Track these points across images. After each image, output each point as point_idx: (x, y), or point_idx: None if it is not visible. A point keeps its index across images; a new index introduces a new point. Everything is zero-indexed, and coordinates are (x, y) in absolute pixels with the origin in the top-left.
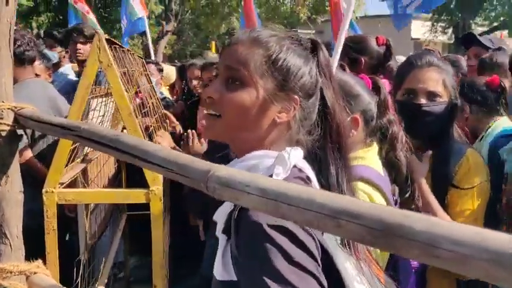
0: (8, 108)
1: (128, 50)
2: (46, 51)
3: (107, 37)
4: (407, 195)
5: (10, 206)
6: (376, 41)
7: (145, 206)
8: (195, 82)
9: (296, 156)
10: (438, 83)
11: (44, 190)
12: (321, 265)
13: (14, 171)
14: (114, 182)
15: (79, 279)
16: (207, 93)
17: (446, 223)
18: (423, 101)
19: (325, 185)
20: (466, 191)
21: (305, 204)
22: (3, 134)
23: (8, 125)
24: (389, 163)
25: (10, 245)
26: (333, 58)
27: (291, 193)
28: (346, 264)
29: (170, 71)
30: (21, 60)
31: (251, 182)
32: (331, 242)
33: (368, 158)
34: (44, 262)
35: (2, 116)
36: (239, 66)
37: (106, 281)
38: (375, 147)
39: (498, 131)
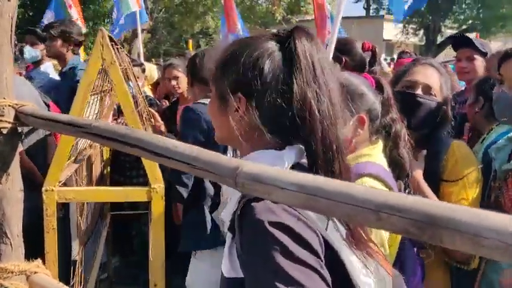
0: (9, 106)
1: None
2: (28, 48)
3: (109, 34)
4: (407, 191)
5: (11, 205)
6: (362, 46)
7: (130, 206)
8: (173, 82)
9: (290, 156)
10: (436, 82)
11: (43, 188)
12: (324, 260)
13: (15, 169)
14: (101, 181)
15: (75, 279)
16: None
17: (490, 214)
18: (419, 92)
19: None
20: (456, 182)
21: (344, 198)
22: (4, 131)
23: (9, 122)
24: (393, 160)
25: (11, 244)
26: None
27: (330, 188)
28: (351, 258)
29: (152, 70)
30: None
31: (283, 177)
32: (336, 236)
33: (374, 155)
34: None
35: (3, 113)
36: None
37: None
38: (380, 144)
39: (497, 134)
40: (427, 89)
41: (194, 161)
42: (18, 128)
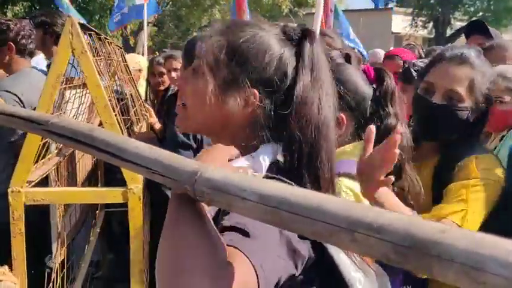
0: None
1: (106, 39)
2: None
3: (80, 22)
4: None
5: None
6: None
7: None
8: (173, 74)
9: (267, 153)
10: (463, 83)
11: (9, 189)
12: (304, 261)
13: None
14: (91, 178)
15: (51, 284)
16: (176, 81)
17: (493, 239)
18: (439, 99)
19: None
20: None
21: (312, 213)
22: None
23: None
24: None
25: None
26: None
27: (296, 199)
28: (340, 255)
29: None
30: (22, 51)
31: (248, 186)
32: None
33: (352, 152)
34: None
35: None
36: (199, 55)
37: (82, 281)
38: (360, 144)
39: None
40: (449, 93)
41: (152, 163)
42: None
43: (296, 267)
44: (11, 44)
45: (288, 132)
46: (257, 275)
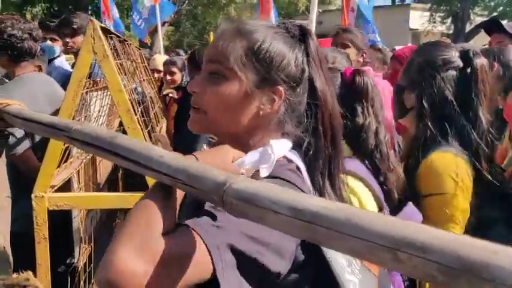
0: None
1: (125, 40)
2: (49, 43)
3: (101, 25)
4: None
5: None
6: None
7: None
8: (168, 77)
9: (281, 147)
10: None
11: (33, 195)
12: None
13: (0, 173)
14: (111, 180)
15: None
16: (191, 87)
17: None
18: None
19: (311, 172)
20: (428, 198)
21: (351, 229)
22: None
23: None
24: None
25: None
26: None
27: (333, 214)
28: (336, 256)
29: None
30: (13, 55)
31: (279, 198)
32: None
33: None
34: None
35: None
36: (220, 58)
37: None
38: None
39: None
40: None
41: (178, 173)
42: (3, 130)
43: (280, 264)
44: (5, 47)
45: (312, 123)
46: (210, 254)
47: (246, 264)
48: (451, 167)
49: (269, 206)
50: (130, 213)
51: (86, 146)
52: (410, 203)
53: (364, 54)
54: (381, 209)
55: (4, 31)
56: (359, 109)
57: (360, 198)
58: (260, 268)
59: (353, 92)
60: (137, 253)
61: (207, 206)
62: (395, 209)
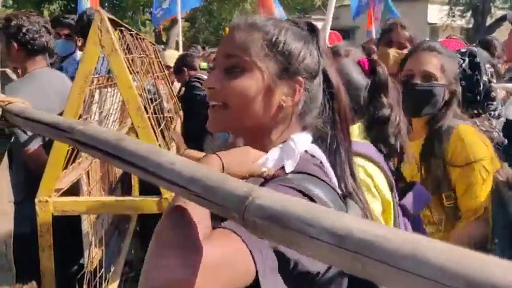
0: None
1: (137, 34)
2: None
3: (110, 17)
4: None
5: None
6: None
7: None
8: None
9: (303, 141)
10: (435, 67)
11: (36, 199)
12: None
13: (1, 177)
14: (124, 180)
15: None
16: (207, 83)
17: None
18: (418, 81)
19: (335, 166)
20: (463, 168)
21: (408, 264)
22: None
23: None
24: (380, 145)
25: None
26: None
27: (387, 243)
28: None
29: (172, 57)
30: (29, 50)
31: (317, 220)
32: None
33: (353, 133)
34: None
35: None
36: (239, 52)
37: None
38: (359, 126)
39: None
40: (426, 76)
41: (191, 183)
42: (5, 129)
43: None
44: (13, 41)
45: (330, 114)
46: (253, 258)
47: (287, 267)
48: (478, 135)
49: (303, 229)
50: (163, 221)
51: (89, 149)
52: (417, 183)
53: None
54: (391, 189)
55: (22, 25)
56: (384, 100)
57: (373, 177)
58: (300, 270)
59: (376, 83)
60: (180, 262)
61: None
62: (404, 189)
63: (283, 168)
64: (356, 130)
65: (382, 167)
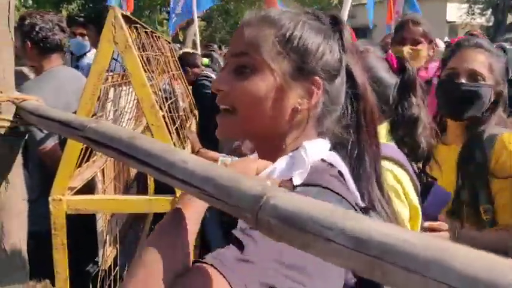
0: (8, 101)
1: (153, 32)
2: (78, 40)
3: (124, 13)
4: None
5: (10, 217)
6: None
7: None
8: None
9: (317, 149)
10: (482, 65)
11: (50, 198)
12: None
13: (16, 175)
14: (140, 178)
15: None
16: (215, 86)
17: None
18: (464, 80)
19: (358, 175)
20: (505, 180)
21: (433, 271)
22: (2, 131)
23: (8, 120)
24: (406, 145)
25: (10, 264)
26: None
27: (410, 248)
28: None
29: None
30: (42, 48)
31: (334, 222)
32: None
33: (381, 134)
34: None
35: (0, 110)
36: (247, 50)
37: None
38: (385, 126)
39: None
40: (472, 75)
41: (204, 183)
42: (20, 127)
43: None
44: (27, 40)
45: (354, 117)
46: None
47: None
48: None
49: (319, 231)
50: (137, 258)
51: (102, 148)
52: (436, 183)
53: (435, 47)
54: (417, 193)
55: (35, 24)
56: (414, 100)
57: (402, 182)
58: None
59: (405, 80)
60: None
61: (239, 227)
62: (423, 189)
63: (291, 180)
64: (383, 130)
65: (408, 170)
